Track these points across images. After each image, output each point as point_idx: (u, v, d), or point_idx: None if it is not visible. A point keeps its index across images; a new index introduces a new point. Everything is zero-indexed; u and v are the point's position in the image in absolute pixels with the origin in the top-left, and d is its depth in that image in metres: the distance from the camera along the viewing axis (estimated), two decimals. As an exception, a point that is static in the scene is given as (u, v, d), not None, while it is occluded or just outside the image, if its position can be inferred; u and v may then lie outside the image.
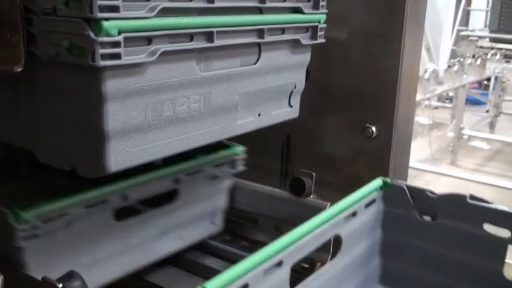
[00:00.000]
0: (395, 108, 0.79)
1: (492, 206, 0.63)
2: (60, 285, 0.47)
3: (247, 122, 0.64)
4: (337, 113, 0.84)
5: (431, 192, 0.66)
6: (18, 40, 0.48)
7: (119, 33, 0.45)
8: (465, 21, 6.04)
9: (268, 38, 0.61)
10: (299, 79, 0.70)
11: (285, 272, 0.52)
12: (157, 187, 0.67)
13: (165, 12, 0.49)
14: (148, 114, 0.51)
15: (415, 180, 3.45)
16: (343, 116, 0.83)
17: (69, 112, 0.49)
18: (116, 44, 0.45)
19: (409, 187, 0.67)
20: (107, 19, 0.44)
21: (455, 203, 0.64)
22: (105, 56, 0.44)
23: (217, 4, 0.53)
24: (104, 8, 0.43)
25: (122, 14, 0.45)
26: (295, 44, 0.67)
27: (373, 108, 0.80)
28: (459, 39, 5.57)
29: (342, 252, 0.62)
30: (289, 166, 0.89)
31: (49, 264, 0.56)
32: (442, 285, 0.66)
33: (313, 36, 0.68)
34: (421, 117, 4.62)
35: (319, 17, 0.68)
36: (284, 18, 0.63)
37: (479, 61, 3.90)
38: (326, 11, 0.69)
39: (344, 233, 0.61)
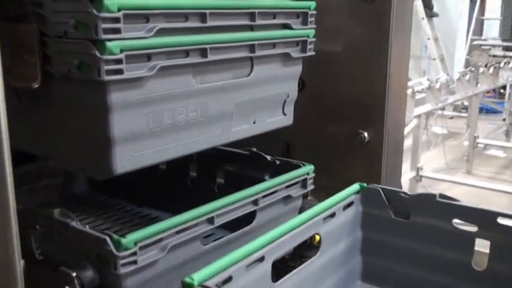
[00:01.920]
0: (384, 114, 0.84)
1: (459, 203, 0.67)
2: (74, 273, 0.53)
3: (243, 129, 0.70)
4: (331, 121, 0.90)
5: (404, 193, 0.71)
6: (35, 60, 0.55)
7: (121, 51, 0.51)
8: (479, 30, 6.06)
9: (259, 53, 0.67)
10: (291, 89, 0.76)
11: (266, 266, 0.57)
12: (238, 210, 0.67)
13: (163, 31, 0.55)
14: (149, 123, 0.57)
15: (430, 189, 3.47)
16: (337, 123, 0.89)
17: (79, 121, 0.56)
18: (119, 61, 0.52)
19: (383, 189, 0.72)
20: (110, 40, 0.51)
21: (426, 202, 0.69)
22: (109, 72, 0.51)
23: (210, 23, 0.60)
24: (107, 30, 0.50)
25: (123, 34, 0.52)
26: (286, 57, 0.73)
27: (365, 115, 0.86)
28: (473, 48, 5.59)
29: (322, 250, 0.67)
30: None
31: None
32: (418, 279, 0.71)
33: (303, 50, 0.75)
34: (436, 127, 4.64)
35: (308, 32, 0.74)
36: (274, 34, 0.69)
37: (491, 70, 3.91)
38: (314, 26, 0.75)
39: (323, 232, 0.67)
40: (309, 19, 0.74)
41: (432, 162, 4.19)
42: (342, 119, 0.89)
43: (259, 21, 0.66)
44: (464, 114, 5.19)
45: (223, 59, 0.63)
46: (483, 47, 4.79)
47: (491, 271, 0.66)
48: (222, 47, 0.62)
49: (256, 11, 0.65)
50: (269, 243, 0.58)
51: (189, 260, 0.62)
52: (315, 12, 0.74)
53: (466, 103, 4.91)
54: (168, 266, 0.59)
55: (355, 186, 0.74)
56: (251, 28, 0.67)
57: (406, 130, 3.16)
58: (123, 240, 0.52)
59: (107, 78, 0.51)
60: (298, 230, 0.62)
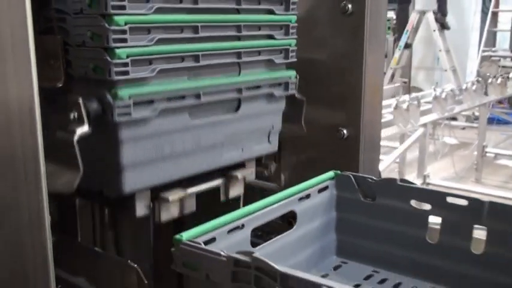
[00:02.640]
0: (361, 113, 0.96)
1: (415, 185, 0.79)
2: (80, 100, 0.63)
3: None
4: (315, 119, 1.01)
5: (371, 179, 0.83)
6: (59, 65, 0.68)
7: (127, 57, 0.65)
8: (492, 42, 6.13)
9: (245, 58, 0.80)
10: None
11: (246, 233, 0.69)
12: (223, 94, 0.78)
13: (162, 41, 0.68)
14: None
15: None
16: (320, 121, 1.01)
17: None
18: (125, 65, 0.65)
19: (354, 176, 0.84)
20: (118, 47, 0.64)
21: (389, 185, 0.81)
22: (118, 73, 0.64)
23: (202, 34, 0.73)
24: (116, 40, 0.63)
25: (129, 43, 0.65)
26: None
27: (344, 114, 0.98)
28: (485, 59, 5.66)
29: (297, 225, 0.79)
30: (281, 163, 1.07)
31: (138, 146, 0.69)
32: (384, 252, 0.83)
33: (286, 57, 0.87)
34: (447, 138, 4.72)
35: (290, 41, 0.87)
36: (259, 43, 0.82)
37: (499, 80, 3.99)
38: (296, 36, 0.87)
39: (298, 210, 0.79)
40: (291, 30, 0.86)
41: (441, 171, 4.26)
42: (324, 117, 1.00)
43: (245, 33, 0.79)
44: (476, 125, 5.25)
45: (213, 63, 0.76)
46: (493, 58, 4.87)
47: (442, 243, 0.77)
48: (212, 54, 0.75)
49: (242, 24, 0.78)
50: (249, 214, 0.70)
51: (179, 130, 0.74)
52: (296, 24, 0.87)
53: (477, 114, 4.99)
54: (158, 129, 0.71)
55: (330, 174, 0.86)
56: (238, 38, 0.79)
57: (412, 139, 3.26)
58: (119, 92, 0.65)
59: (115, 78, 0.64)
60: (275, 205, 0.74)
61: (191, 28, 0.72)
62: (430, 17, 5.66)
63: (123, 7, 0.63)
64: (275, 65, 0.86)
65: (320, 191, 0.83)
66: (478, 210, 0.74)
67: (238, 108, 0.82)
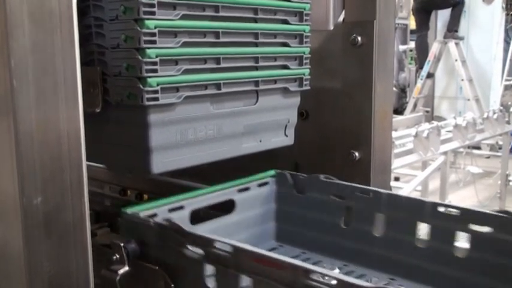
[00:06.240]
0: (371, 137, 1.03)
1: (334, 181, 0.90)
2: (122, 243, 0.73)
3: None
4: (329, 143, 1.09)
5: (302, 176, 0.93)
6: (98, 92, 0.78)
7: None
8: (516, 71, 6.14)
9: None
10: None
11: (185, 213, 0.81)
12: (241, 85, 0.86)
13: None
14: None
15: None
16: (333, 145, 1.08)
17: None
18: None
19: (290, 174, 0.95)
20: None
21: (315, 181, 0.91)
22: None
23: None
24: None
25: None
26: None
27: (356, 138, 1.05)
28: (507, 89, 5.67)
29: (236, 212, 0.90)
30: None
31: (165, 130, 0.77)
32: (312, 239, 0.91)
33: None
34: (471, 167, 4.72)
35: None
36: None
37: (521, 109, 4.01)
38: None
39: (237, 199, 0.89)
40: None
41: (465, 200, 4.26)
42: (337, 141, 1.08)
43: (261, 40, 0.87)
44: (500, 154, 5.23)
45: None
46: (515, 87, 4.89)
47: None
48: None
49: (259, 31, 0.86)
50: (189, 198, 0.82)
51: (201, 118, 0.82)
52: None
53: (501, 142, 4.98)
54: (183, 115, 0.79)
55: (271, 172, 0.96)
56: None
57: (433, 167, 3.29)
58: (148, 79, 0.72)
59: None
60: (214, 193, 0.86)
61: (213, 34, 0.80)
62: (452, 47, 5.73)
63: (153, 13, 0.72)
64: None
65: (260, 185, 0.94)
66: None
67: (256, 101, 0.90)
